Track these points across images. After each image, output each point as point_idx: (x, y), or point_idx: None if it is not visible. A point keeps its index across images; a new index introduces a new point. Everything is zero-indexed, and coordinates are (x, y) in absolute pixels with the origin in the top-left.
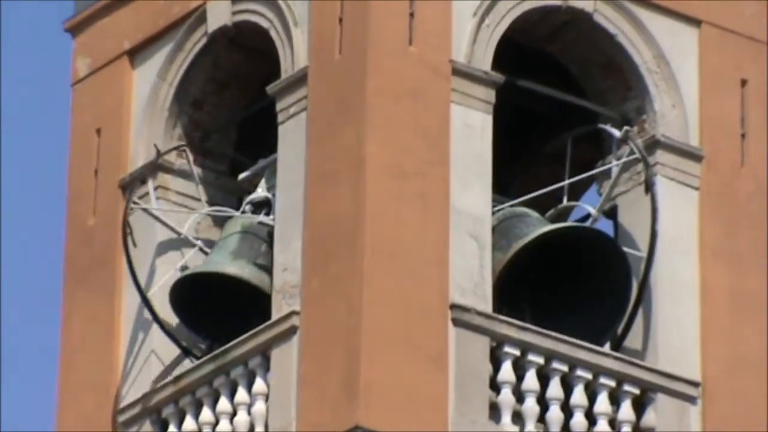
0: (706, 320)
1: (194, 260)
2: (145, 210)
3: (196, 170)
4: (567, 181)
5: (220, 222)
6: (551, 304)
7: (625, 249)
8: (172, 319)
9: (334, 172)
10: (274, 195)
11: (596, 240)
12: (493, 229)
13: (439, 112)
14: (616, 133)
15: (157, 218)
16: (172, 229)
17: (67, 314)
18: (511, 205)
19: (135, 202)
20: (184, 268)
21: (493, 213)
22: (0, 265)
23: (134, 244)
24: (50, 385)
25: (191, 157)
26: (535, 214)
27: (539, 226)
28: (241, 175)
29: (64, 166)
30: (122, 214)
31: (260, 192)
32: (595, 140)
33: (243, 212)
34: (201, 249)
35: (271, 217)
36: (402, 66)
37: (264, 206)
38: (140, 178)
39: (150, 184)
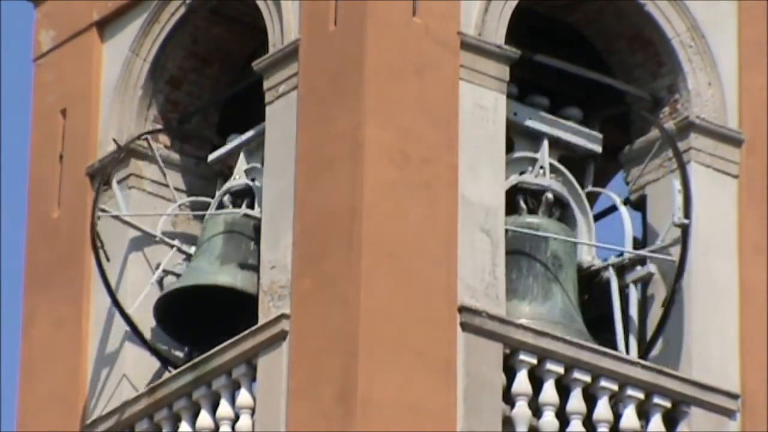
0: (746, 325)
1: (172, 260)
2: (115, 217)
3: (174, 156)
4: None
5: (199, 215)
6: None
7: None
8: (146, 324)
9: (328, 158)
10: (253, 179)
11: None
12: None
13: (447, 91)
14: (677, 220)
15: (129, 224)
16: (147, 233)
17: (28, 319)
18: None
19: (103, 210)
20: (162, 270)
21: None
22: None
23: (101, 244)
24: (10, 398)
25: (168, 142)
26: (545, 241)
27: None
28: (212, 156)
29: (24, 151)
30: (90, 206)
31: (239, 179)
32: (621, 121)
33: (221, 204)
34: (179, 249)
35: (256, 210)
36: (405, 39)
37: (245, 195)
38: (111, 165)
39: (115, 187)
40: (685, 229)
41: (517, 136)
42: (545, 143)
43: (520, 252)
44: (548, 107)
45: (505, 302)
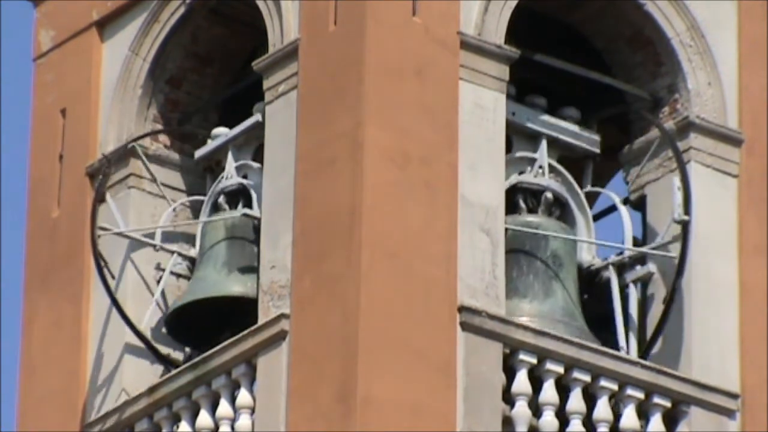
0: (746, 324)
1: (173, 260)
2: (114, 232)
3: (174, 156)
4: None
5: (198, 213)
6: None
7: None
8: (145, 323)
9: (328, 158)
10: (245, 176)
11: None
12: None
13: (447, 91)
14: (677, 216)
15: (128, 236)
16: (148, 243)
17: (28, 318)
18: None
19: (102, 227)
20: (162, 269)
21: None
22: None
23: (105, 263)
24: (10, 397)
25: (168, 142)
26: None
27: None
28: (198, 153)
29: (24, 151)
30: (90, 206)
31: (232, 179)
32: (621, 121)
33: (216, 205)
34: (179, 254)
35: (255, 209)
36: (405, 39)
37: (239, 195)
38: (106, 172)
39: (112, 203)
40: (685, 227)
41: (516, 135)
42: (544, 143)
43: (520, 251)
44: (546, 108)
45: (505, 302)
